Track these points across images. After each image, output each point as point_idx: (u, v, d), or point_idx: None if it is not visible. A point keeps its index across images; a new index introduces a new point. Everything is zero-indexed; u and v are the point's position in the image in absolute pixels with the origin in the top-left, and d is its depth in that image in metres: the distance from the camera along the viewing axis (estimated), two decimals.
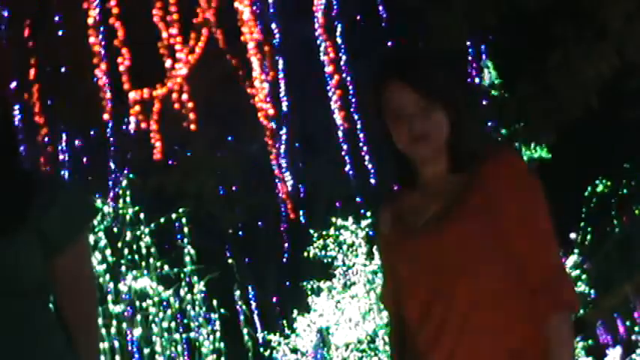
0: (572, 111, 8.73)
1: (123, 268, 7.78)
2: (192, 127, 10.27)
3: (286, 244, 14.47)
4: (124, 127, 10.78)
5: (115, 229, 7.88)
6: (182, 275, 8.06)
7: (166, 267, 7.94)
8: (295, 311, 12.87)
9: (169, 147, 10.93)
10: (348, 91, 12.00)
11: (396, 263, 2.45)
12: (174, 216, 8.27)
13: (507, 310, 2.30)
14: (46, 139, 10.97)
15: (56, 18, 10.67)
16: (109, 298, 7.54)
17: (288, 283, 14.87)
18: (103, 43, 10.15)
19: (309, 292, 12.80)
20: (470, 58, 11.64)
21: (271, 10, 11.42)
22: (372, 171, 12.58)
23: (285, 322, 13.12)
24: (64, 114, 11.23)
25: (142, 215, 7.97)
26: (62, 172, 10.91)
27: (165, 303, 7.89)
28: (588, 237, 14.27)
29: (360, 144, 12.46)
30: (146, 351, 7.72)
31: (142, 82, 10.39)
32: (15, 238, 2.15)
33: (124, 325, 7.65)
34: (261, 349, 12.58)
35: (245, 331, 8.87)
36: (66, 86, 10.98)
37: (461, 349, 2.30)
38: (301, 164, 13.16)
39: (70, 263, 2.24)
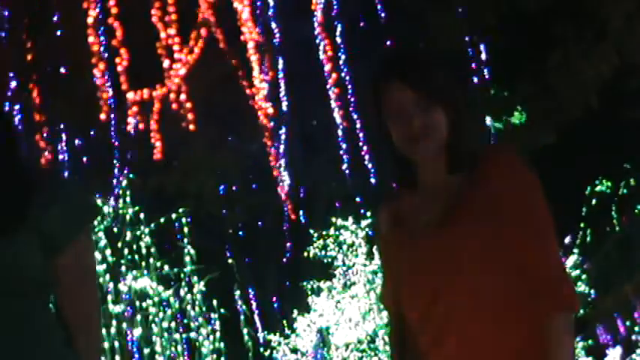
0: (572, 111, 8.74)
1: (123, 268, 7.77)
2: (192, 127, 10.27)
3: (286, 244, 14.47)
4: (123, 127, 10.77)
5: (115, 229, 7.87)
6: (182, 275, 8.06)
7: (166, 267, 7.94)
8: (295, 311, 12.87)
9: (169, 147, 10.92)
10: (347, 90, 12.00)
11: (396, 264, 2.44)
12: (174, 216, 8.27)
13: (508, 310, 2.30)
14: (46, 139, 10.97)
15: (55, 18, 10.66)
16: (109, 298, 7.53)
17: (288, 283, 14.87)
18: (102, 43, 10.15)
19: (309, 292, 12.79)
20: (469, 58, 11.63)
21: (271, 10, 11.42)
22: (372, 171, 12.58)
23: (285, 322, 13.11)
24: (63, 114, 11.22)
25: (142, 215, 7.97)
26: (62, 172, 10.90)
27: (165, 303, 7.89)
28: (588, 237, 14.26)
29: (360, 143, 12.45)
30: (146, 351, 7.71)
31: (142, 83, 10.39)
32: (14, 237, 2.14)
33: (124, 325, 7.65)
34: (261, 349, 12.57)
35: (245, 331, 8.86)
36: (66, 86, 10.98)
37: (462, 349, 2.30)
38: (301, 164, 13.16)
39: (71, 262, 2.22)
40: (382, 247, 2.56)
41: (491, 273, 2.31)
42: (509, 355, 2.29)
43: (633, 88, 8.95)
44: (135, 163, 11.10)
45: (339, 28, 12.04)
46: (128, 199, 8.00)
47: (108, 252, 7.63)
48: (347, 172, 12.78)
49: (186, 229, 8.18)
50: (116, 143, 11.07)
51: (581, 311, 14.60)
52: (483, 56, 11.64)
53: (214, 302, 8.17)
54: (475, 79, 11.65)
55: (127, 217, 7.93)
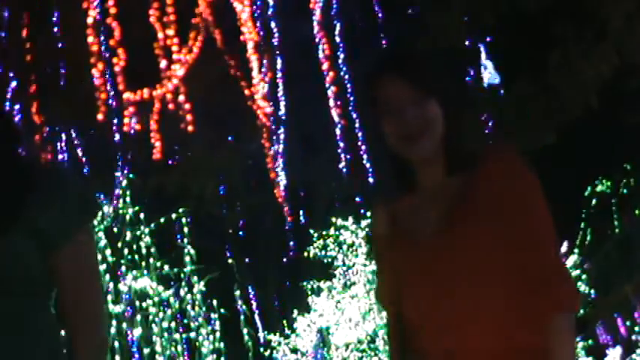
0: (573, 111, 8.73)
1: (123, 268, 7.77)
2: (190, 128, 10.27)
3: (286, 244, 14.47)
4: (122, 126, 10.77)
5: (115, 229, 7.88)
6: (182, 275, 8.06)
7: (166, 267, 7.94)
8: (295, 311, 12.87)
9: (169, 147, 10.92)
10: (346, 89, 12.01)
11: (396, 265, 2.42)
12: (174, 216, 8.27)
13: (509, 310, 2.29)
14: (46, 138, 10.97)
15: (55, 18, 10.67)
16: (109, 298, 7.53)
17: (288, 283, 14.87)
18: (102, 43, 10.15)
19: (309, 292, 12.80)
20: (469, 57, 11.63)
21: (270, 10, 11.42)
22: (371, 170, 12.58)
23: (285, 322, 13.11)
24: (63, 114, 11.23)
25: (142, 215, 7.97)
26: (63, 170, 10.88)
27: (165, 303, 7.89)
28: (588, 237, 14.26)
29: (359, 143, 12.45)
30: (146, 351, 7.71)
31: (141, 83, 10.39)
32: (11, 237, 2.10)
33: (124, 325, 7.65)
34: (261, 349, 12.57)
35: (245, 331, 8.87)
36: (65, 86, 10.98)
37: (464, 350, 2.30)
38: (300, 164, 13.16)
39: (70, 262, 2.18)
40: (379, 246, 2.52)
41: (493, 274, 2.30)
42: (510, 355, 2.29)
43: (633, 89, 8.93)
44: (135, 163, 11.10)
45: (337, 28, 12.04)
46: (128, 199, 8.00)
47: (108, 252, 7.63)
48: (345, 171, 12.77)
49: (186, 229, 8.18)
50: (116, 143, 11.07)
51: (581, 311, 14.61)
52: (483, 56, 11.65)
53: (214, 302, 8.17)
54: (474, 79, 11.66)
55: (127, 217, 7.93)
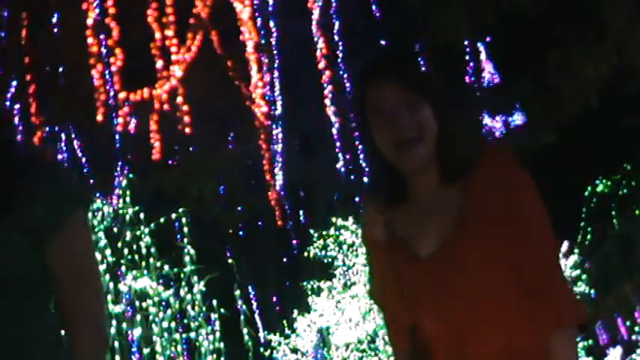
0: (573, 111, 8.74)
1: (123, 268, 7.77)
2: (187, 130, 10.26)
3: (286, 244, 14.47)
4: (117, 126, 10.76)
5: (115, 229, 7.87)
6: (182, 275, 8.06)
7: (166, 267, 7.94)
8: (295, 311, 12.87)
9: (169, 147, 10.92)
10: (345, 88, 12.00)
11: (398, 277, 2.38)
12: (174, 216, 8.27)
13: (514, 316, 2.28)
14: (45, 138, 10.97)
15: (55, 19, 10.67)
16: (109, 298, 7.53)
17: (288, 283, 14.87)
18: (101, 43, 10.16)
19: (310, 292, 12.80)
20: (469, 57, 11.64)
21: (270, 9, 11.42)
22: (368, 170, 12.56)
23: (285, 322, 13.12)
24: (63, 114, 11.23)
25: (141, 215, 7.97)
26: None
27: (165, 303, 7.89)
28: (588, 237, 14.27)
29: (357, 142, 12.45)
30: (146, 351, 7.71)
31: (141, 83, 10.40)
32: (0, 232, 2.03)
33: (124, 325, 7.64)
34: (262, 349, 12.57)
35: (245, 331, 8.86)
36: (65, 86, 10.98)
37: (474, 356, 2.30)
38: (298, 164, 13.16)
39: (61, 255, 2.10)
40: (374, 248, 2.45)
41: (496, 285, 2.28)
42: (517, 355, 2.28)
43: (632, 92, 8.93)
44: (134, 163, 11.11)
45: (336, 26, 12.04)
46: (128, 199, 8.00)
47: (108, 252, 7.63)
48: (343, 171, 12.77)
49: (186, 229, 8.18)
50: (115, 143, 11.07)
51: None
52: (483, 56, 11.64)
53: (214, 302, 8.17)
54: (474, 79, 11.66)
55: (127, 217, 7.93)
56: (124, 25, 10.07)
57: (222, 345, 8.13)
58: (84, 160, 11.79)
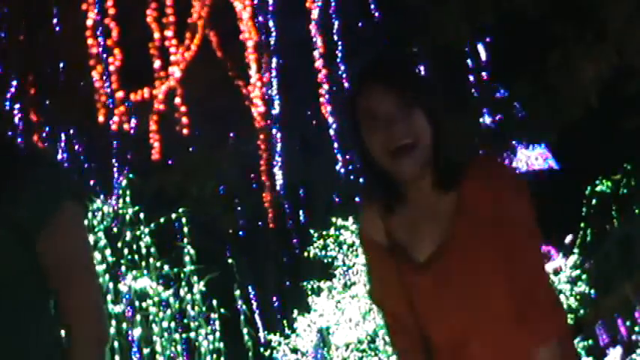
0: (573, 111, 8.74)
1: (123, 268, 7.77)
2: (185, 131, 10.26)
3: (286, 244, 14.47)
4: (113, 125, 10.76)
5: (115, 229, 7.87)
6: (182, 275, 8.05)
7: (166, 267, 7.94)
8: (295, 311, 12.87)
9: (169, 147, 10.92)
10: (343, 88, 12.00)
11: (395, 274, 2.38)
12: (174, 216, 8.26)
13: (508, 321, 2.27)
14: (45, 138, 10.97)
15: (55, 20, 10.68)
16: (109, 298, 7.52)
17: (288, 283, 14.87)
18: (100, 44, 10.16)
19: (310, 292, 12.80)
20: (468, 57, 11.63)
21: (270, 9, 11.42)
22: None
23: (285, 322, 13.11)
24: (62, 114, 11.24)
25: (141, 215, 7.96)
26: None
27: (165, 303, 7.89)
28: (588, 237, 14.27)
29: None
30: (146, 351, 7.71)
31: (141, 83, 10.40)
32: None
33: (124, 325, 7.64)
34: (262, 349, 12.57)
35: (245, 331, 8.86)
36: (65, 86, 10.99)
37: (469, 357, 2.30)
38: (298, 164, 13.16)
39: (52, 249, 2.04)
40: (373, 250, 2.45)
41: (491, 295, 2.28)
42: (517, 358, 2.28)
43: (632, 91, 8.92)
44: (134, 163, 11.11)
45: (335, 26, 12.04)
46: (128, 199, 7.99)
47: (108, 252, 7.63)
48: (342, 171, 12.77)
49: (186, 229, 8.17)
50: (114, 143, 11.08)
51: (581, 311, 14.60)
52: (483, 55, 11.64)
53: (214, 302, 8.17)
54: (474, 78, 11.66)
55: (127, 217, 7.93)
56: (123, 26, 10.08)
57: (222, 345, 8.13)
58: (84, 160, 11.79)
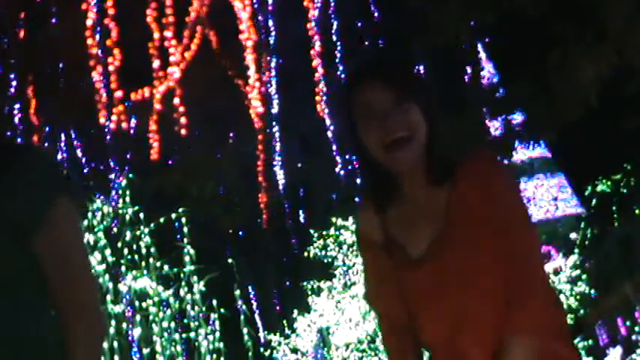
0: (573, 111, 8.73)
1: (123, 268, 7.77)
2: (183, 131, 10.26)
3: (286, 244, 14.47)
4: (111, 124, 10.76)
5: (115, 229, 7.87)
6: (182, 275, 8.06)
7: (166, 267, 7.94)
8: (295, 311, 12.88)
9: (168, 147, 10.93)
10: (341, 87, 11.99)
11: (394, 280, 2.38)
12: (174, 216, 8.27)
13: (502, 316, 2.27)
14: (44, 138, 10.97)
15: (54, 20, 10.68)
16: (109, 298, 7.53)
17: (288, 283, 14.88)
18: (100, 44, 10.16)
19: (310, 292, 12.80)
20: (468, 57, 11.63)
21: (269, 9, 11.43)
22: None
23: (285, 322, 13.12)
24: (62, 114, 11.24)
25: (141, 215, 7.97)
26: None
27: (165, 303, 7.89)
28: (588, 237, 14.28)
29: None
30: (146, 351, 7.71)
31: (141, 83, 10.40)
32: None
33: (124, 325, 7.65)
34: (262, 349, 12.58)
35: (245, 331, 8.87)
36: (65, 86, 10.99)
37: (464, 354, 2.30)
38: (297, 164, 13.16)
39: (47, 247, 2.02)
40: (370, 251, 2.46)
41: (488, 286, 2.28)
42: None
43: (632, 91, 8.91)
44: (134, 163, 11.11)
45: (334, 26, 12.05)
46: (128, 199, 8.00)
47: (108, 252, 7.63)
48: (341, 170, 12.77)
49: (186, 229, 8.18)
50: (114, 143, 11.08)
51: (581, 311, 14.60)
52: (484, 56, 11.65)
53: (214, 302, 8.17)
54: (474, 78, 11.65)
55: (127, 217, 7.93)
56: (123, 25, 10.08)
57: (221, 345, 8.13)
58: (83, 160, 11.79)
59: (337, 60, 12.01)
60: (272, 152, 12.10)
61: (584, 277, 14.30)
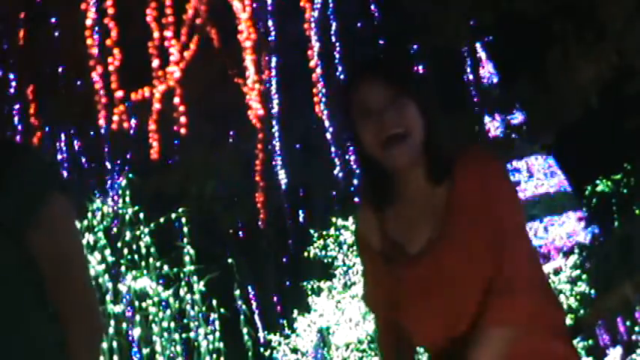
0: (572, 111, 8.73)
1: (123, 268, 7.77)
2: (183, 130, 10.25)
3: (286, 244, 14.47)
4: (112, 125, 10.75)
5: (115, 229, 7.87)
6: (182, 275, 8.06)
7: (166, 267, 7.94)
8: (295, 311, 12.88)
9: (168, 147, 10.92)
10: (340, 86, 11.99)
11: (392, 280, 2.39)
12: (174, 216, 8.26)
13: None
14: (44, 138, 10.98)
15: (53, 19, 10.68)
16: (109, 298, 7.53)
17: (288, 283, 14.88)
18: (100, 44, 10.16)
19: (310, 292, 12.80)
20: (468, 57, 11.63)
21: (269, 9, 11.43)
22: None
23: (285, 322, 13.12)
24: (62, 114, 11.24)
25: (141, 215, 7.96)
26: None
27: (164, 303, 7.89)
28: (588, 237, 14.28)
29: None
30: (146, 351, 7.71)
31: (141, 83, 10.40)
32: None
33: (124, 325, 7.64)
34: (262, 349, 12.58)
35: (245, 331, 8.87)
36: (64, 86, 10.99)
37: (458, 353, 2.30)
38: (298, 163, 13.16)
39: (41, 245, 2.00)
40: (369, 252, 2.46)
41: (484, 284, 2.28)
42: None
43: (632, 92, 8.92)
44: (134, 163, 11.11)
45: (334, 27, 12.05)
46: (128, 199, 7.99)
47: (108, 252, 7.63)
48: (341, 170, 12.77)
49: (186, 229, 8.17)
50: (113, 143, 11.08)
51: (581, 311, 14.60)
52: (483, 56, 11.64)
53: (214, 302, 8.17)
54: (474, 78, 11.65)
55: (127, 217, 7.92)
56: (123, 25, 10.08)
57: (221, 345, 8.13)
58: (83, 160, 11.79)
59: (336, 60, 12.01)
60: (272, 152, 12.10)
61: (584, 277, 14.31)
